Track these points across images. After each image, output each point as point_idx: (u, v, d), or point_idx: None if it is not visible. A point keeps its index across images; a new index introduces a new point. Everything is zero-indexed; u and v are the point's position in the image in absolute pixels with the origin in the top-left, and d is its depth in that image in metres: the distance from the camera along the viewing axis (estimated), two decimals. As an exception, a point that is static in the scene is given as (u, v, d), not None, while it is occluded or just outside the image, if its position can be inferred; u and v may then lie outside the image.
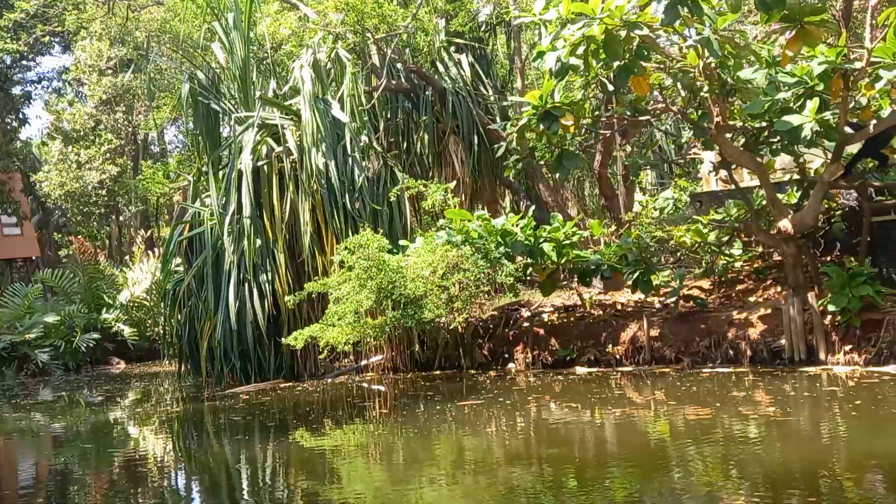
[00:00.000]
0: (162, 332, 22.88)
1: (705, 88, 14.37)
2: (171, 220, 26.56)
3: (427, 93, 22.50)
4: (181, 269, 21.00)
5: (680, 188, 23.80)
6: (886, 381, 12.79)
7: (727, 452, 9.54)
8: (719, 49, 12.63)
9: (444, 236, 16.60)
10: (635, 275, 16.79)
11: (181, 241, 20.30)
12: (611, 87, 15.10)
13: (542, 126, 15.34)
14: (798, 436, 10.41)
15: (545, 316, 18.10)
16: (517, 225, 17.23)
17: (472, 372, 17.05)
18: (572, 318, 17.71)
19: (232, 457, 11.30)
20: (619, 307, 17.87)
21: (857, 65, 12.98)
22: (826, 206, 16.60)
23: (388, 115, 22.92)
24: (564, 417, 12.41)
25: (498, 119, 21.98)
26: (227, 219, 18.38)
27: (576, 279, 17.99)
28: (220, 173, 19.40)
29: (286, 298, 17.40)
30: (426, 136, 22.67)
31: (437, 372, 17.31)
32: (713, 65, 13.83)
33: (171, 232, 21.07)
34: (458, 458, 10.22)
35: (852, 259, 15.52)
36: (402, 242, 17.56)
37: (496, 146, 18.69)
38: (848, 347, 14.25)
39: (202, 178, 20.18)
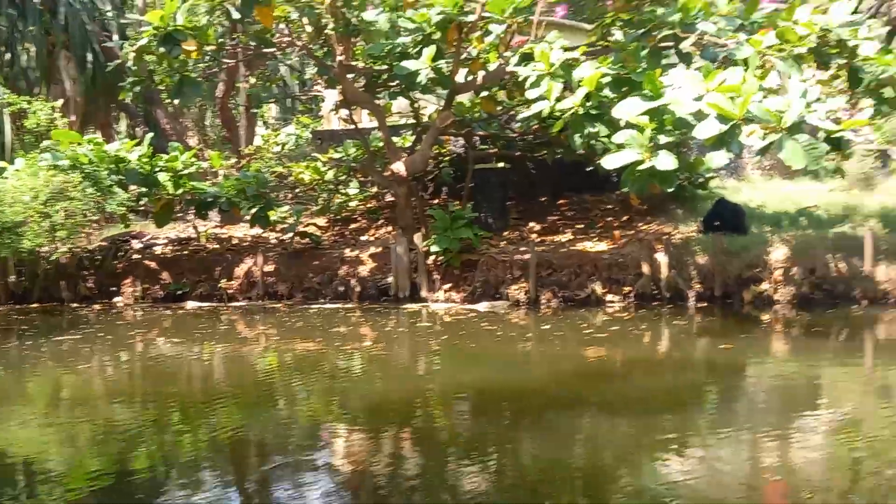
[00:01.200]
0: None
1: (331, 26, 14.51)
2: None
3: (35, 0, 20.58)
4: None
5: (302, 124, 23.96)
6: (477, 317, 13.86)
7: (331, 385, 9.85)
8: (344, -11, 12.76)
9: (49, 159, 15.40)
10: (253, 209, 16.72)
11: None
12: (236, 15, 14.75)
13: (162, 49, 14.64)
14: (397, 368, 10.99)
15: (158, 248, 17.54)
16: (132, 151, 16.41)
17: (75, 306, 16.10)
18: (186, 251, 17.31)
19: None
20: (235, 241, 17.74)
21: (471, 17, 13.72)
22: (436, 151, 17.56)
23: (-12, 22, 20.72)
24: (170, 353, 12.12)
25: (115, 37, 20.66)
26: None
27: (192, 211, 17.56)
28: None
29: None
30: (32, 49, 20.79)
31: (35, 305, 16.14)
32: (339, 3, 13.99)
33: None
34: (53, 396, 9.64)
35: (456, 203, 16.58)
36: (-1, 163, 16.04)
37: (110, 64, 17.59)
38: (447, 286, 15.25)
39: None
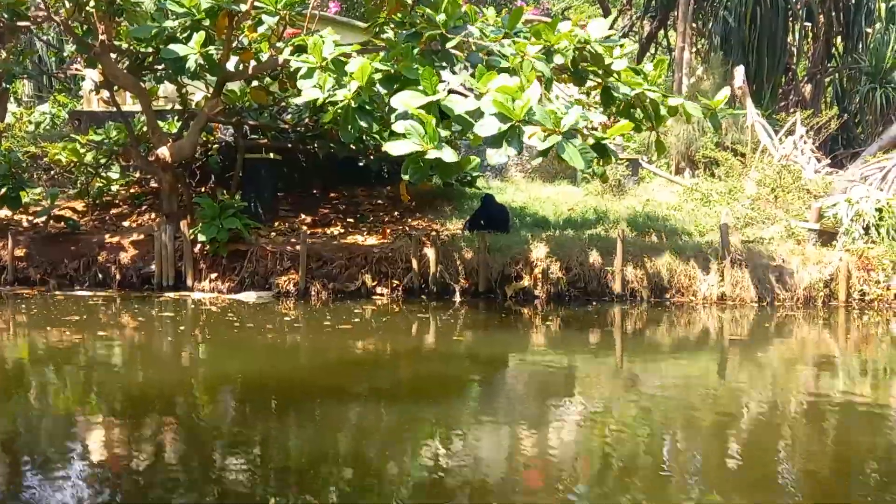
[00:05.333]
0: None
1: (92, 3, 13.81)
2: None
3: None
4: None
5: (59, 104, 22.70)
6: (244, 308, 13.66)
7: (88, 377, 9.42)
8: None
9: None
10: (3, 190, 15.69)
11: None
12: (-14, -16, 13.74)
13: None
14: (159, 359, 10.65)
15: None
16: None
17: None
18: (-76, 233, 15.95)
19: None
20: (-20, 224, 16.52)
21: (242, 7, 13.45)
22: (204, 138, 17.11)
23: None
24: None
25: None
26: None
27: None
28: None
29: None
30: None
31: None
32: (102, -21, 13.35)
33: None
34: None
35: (225, 192, 16.24)
36: None
37: None
38: (214, 276, 14.90)
39: None
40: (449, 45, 12.21)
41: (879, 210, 15.48)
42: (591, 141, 10.74)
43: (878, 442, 7.32)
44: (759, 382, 9.82)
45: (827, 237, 15.54)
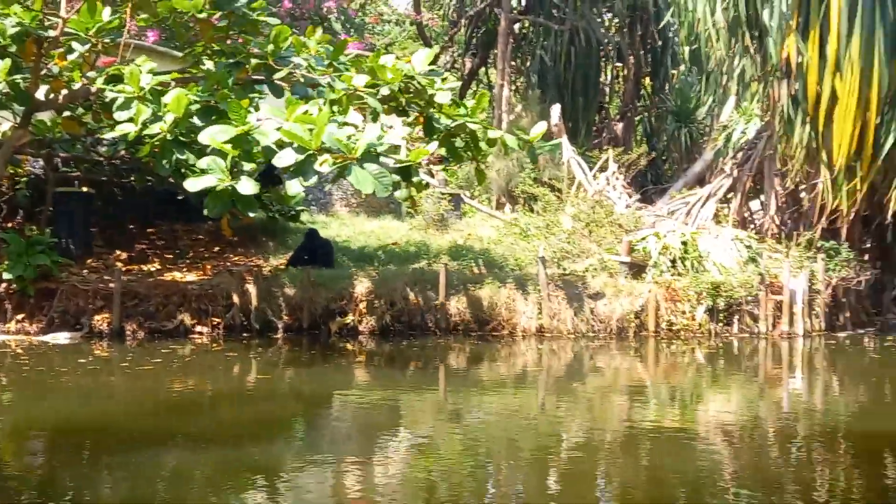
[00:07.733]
0: None
1: None
2: None
3: None
4: None
5: None
6: (54, 350, 12.99)
7: None
8: None
9: None
10: None
11: None
12: None
13: None
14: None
15: None
16: None
17: None
18: None
19: None
20: None
21: (52, 33, 12.91)
22: (12, 171, 16.25)
23: None
24: None
25: None
26: None
27: None
28: None
29: None
30: None
31: None
32: None
33: None
34: None
35: (34, 227, 15.45)
36: None
37: None
38: (21, 316, 14.11)
39: None
40: (277, 76, 12.11)
41: (684, 243, 16.36)
42: (391, 165, 10.79)
43: (687, 467, 7.67)
44: (576, 412, 10.13)
45: (637, 270, 16.27)
